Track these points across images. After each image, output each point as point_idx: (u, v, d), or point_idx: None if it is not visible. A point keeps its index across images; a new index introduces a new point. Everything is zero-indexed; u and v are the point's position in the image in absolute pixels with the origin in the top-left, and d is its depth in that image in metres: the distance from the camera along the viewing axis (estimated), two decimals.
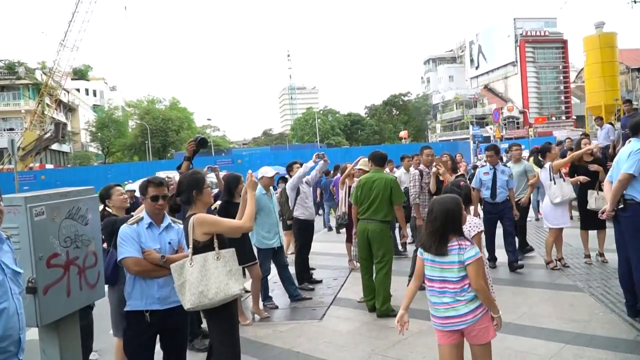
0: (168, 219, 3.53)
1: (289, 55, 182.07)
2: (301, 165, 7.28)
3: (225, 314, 3.29)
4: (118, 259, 3.34)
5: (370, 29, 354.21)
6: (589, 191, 6.82)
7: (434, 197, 3.23)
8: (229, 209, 5.37)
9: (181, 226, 3.48)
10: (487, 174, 7.19)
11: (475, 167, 24.51)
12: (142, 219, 3.42)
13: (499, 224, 7.25)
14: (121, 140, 61.47)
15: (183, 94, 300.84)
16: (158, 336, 3.46)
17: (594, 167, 6.86)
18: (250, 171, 3.49)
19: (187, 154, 4.80)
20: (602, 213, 4.79)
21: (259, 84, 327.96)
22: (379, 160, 6.01)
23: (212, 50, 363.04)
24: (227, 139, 77.36)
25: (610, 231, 6.98)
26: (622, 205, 4.61)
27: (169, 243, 3.43)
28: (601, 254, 7.04)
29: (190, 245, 3.21)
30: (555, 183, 6.85)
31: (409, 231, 7.46)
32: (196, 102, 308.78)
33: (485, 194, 7.18)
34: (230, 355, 3.34)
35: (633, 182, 4.49)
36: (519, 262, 7.04)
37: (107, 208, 4.40)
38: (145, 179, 3.57)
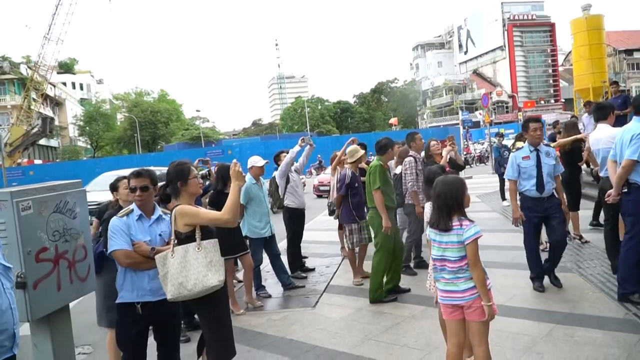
0: (159, 211, 3.49)
1: (277, 45, 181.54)
2: (286, 153, 7.26)
3: (210, 305, 3.25)
4: (108, 252, 3.31)
5: (358, 16, 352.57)
6: (581, 175, 7.04)
7: (438, 177, 3.30)
8: (222, 199, 5.35)
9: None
10: (528, 159, 5.36)
11: (501, 135, 24.57)
12: (132, 211, 3.38)
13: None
14: (110, 134, 61.04)
15: (171, 86, 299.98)
16: (151, 328, 3.45)
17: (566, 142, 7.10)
18: (234, 160, 3.39)
19: None
20: (608, 197, 4.73)
21: (247, 74, 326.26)
22: (378, 150, 5.94)
23: (199, 41, 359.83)
24: (217, 130, 76.89)
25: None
26: (626, 189, 4.60)
27: (160, 235, 3.40)
28: (580, 236, 7.16)
29: (173, 236, 3.20)
30: None
31: (399, 218, 7.46)
32: (185, 94, 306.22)
33: (526, 185, 5.38)
34: (218, 347, 3.32)
35: (637, 167, 4.46)
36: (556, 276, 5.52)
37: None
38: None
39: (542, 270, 5.46)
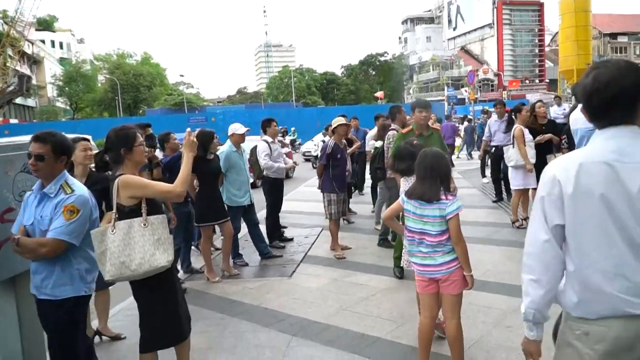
0: (52, 187, 2.77)
1: (265, 11, 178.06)
2: (276, 123, 7.16)
3: (152, 287, 2.92)
4: None
5: None
6: (548, 156, 7.01)
7: (424, 149, 3.29)
8: (202, 165, 5.30)
9: (68, 196, 2.77)
10: None
11: (487, 112, 23.44)
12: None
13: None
14: (90, 96, 59.59)
15: (155, 49, 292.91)
16: None
17: (544, 138, 7.08)
18: (189, 129, 3.10)
19: None
20: None
21: (234, 41, 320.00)
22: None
23: (185, 3, 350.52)
24: (201, 96, 75.68)
25: None
26: None
27: (41, 217, 2.76)
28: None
29: (114, 210, 2.84)
30: (513, 146, 6.95)
31: (381, 192, 7.45)
32: (169, 58, 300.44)
33: None
34: (149, 338, 3.00)
35: None
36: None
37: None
38: None
39: None
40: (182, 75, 75.20)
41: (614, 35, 63.17)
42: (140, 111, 59.68)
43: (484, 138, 9.91)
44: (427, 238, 3.06)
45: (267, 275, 5.86)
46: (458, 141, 17.62)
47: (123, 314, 4.79)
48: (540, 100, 8.56)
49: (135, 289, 2.99)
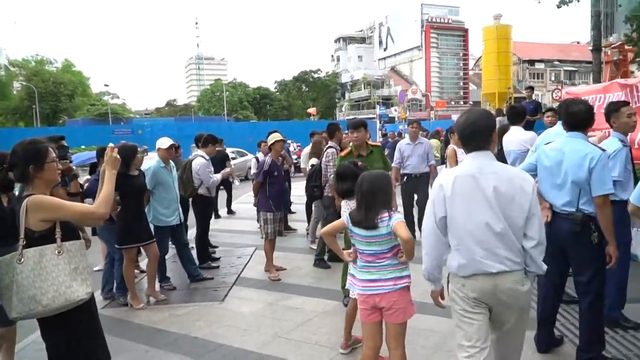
0: None
1: (197, 23, 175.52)
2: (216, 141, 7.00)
3: (70, 323, 2.55)
4: None
5: (283, 1, 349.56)
6: None
7: (363, 173, 3.13)
8: (124, 182, 4.84)
9: None
10: None
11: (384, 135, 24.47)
12: None
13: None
14: (4, 103, 55.37)
15: (78, 57, 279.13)
16: None
17: None
18: (111, 145, 2.85)
19: None
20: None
21: (163, 51, 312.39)
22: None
23: (112, 10, 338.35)
24: (128, 107, 72.62)
25: None
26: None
27: None
28: None
29: (22, 236, 2.46)
30: (447, 166, 7.06)
31: (316, 210, 7.29)
32: (93, 66, 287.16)
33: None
34: None
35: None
36: None
37: None
38: None
39: None
40: (107, 85, 72.20)
41: (532, 62, 68.16)
42: (60, 121, 56.28)
43: (393, 165, 7.24)
44: (376, 258, 2.96)
45: (197, 300, 5.49)
46: None
47: (32, 348, 4.27)
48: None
49: (44, 325, 2.58)
